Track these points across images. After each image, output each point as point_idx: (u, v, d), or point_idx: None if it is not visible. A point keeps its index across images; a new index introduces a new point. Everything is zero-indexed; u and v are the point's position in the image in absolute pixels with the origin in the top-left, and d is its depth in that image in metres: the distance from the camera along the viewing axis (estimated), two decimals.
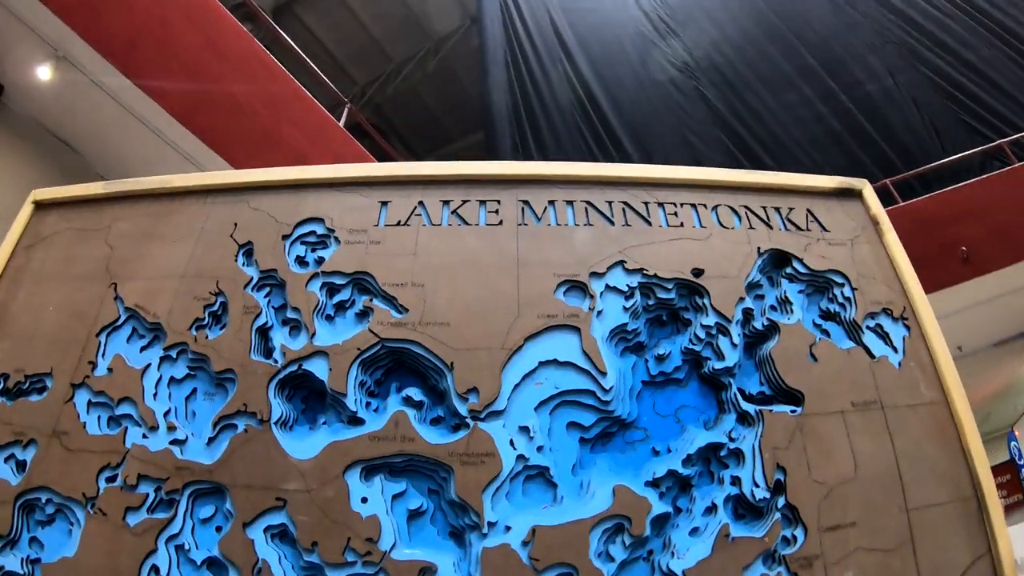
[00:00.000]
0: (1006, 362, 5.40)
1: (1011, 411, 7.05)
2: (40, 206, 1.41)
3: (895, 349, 1.28)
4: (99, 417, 1.22)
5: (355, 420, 1.11)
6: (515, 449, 1.08)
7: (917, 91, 5.30)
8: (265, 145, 3.35)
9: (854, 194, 1.43)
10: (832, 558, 1.10)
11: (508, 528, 1.04)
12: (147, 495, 1.14)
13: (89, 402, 1.23)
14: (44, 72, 3.25)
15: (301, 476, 1.09)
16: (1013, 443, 6.16)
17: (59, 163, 3.63)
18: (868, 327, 1.28)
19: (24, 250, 1.42)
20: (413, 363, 1.15)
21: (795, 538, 1.10)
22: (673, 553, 1.06)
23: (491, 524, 1.04)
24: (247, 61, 3.51)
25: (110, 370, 1.24)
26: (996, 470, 6.29)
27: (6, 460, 1.22)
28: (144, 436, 1.18)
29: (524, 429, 1.10)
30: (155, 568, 1.10)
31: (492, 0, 6.35)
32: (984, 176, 4.26)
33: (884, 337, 1.29)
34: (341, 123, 4.30)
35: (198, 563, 1.10)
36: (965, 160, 4.63)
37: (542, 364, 1.13)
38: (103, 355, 1.26)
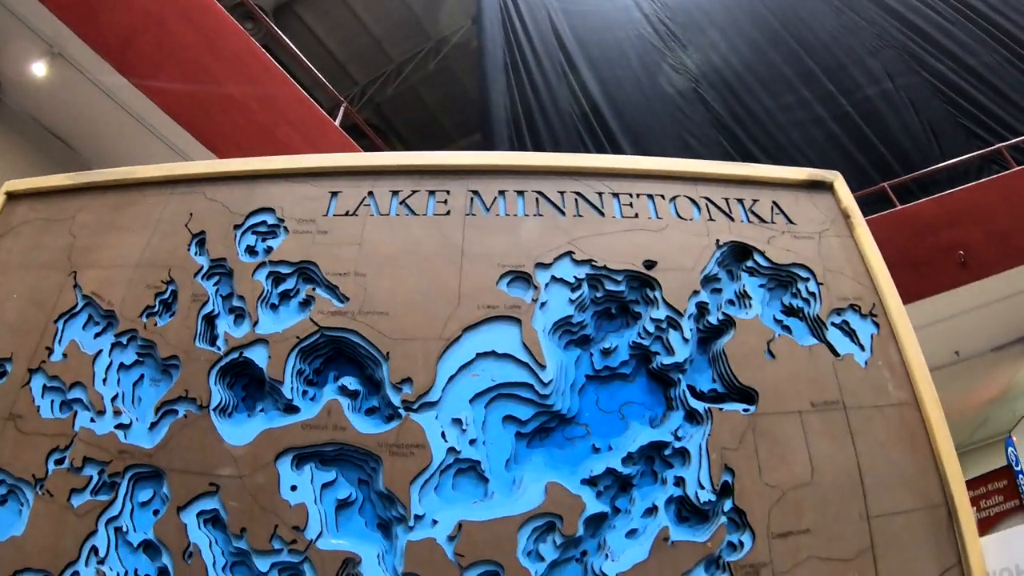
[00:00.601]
0: (1004, 367, 5.19)
1: (1009, 416, 6.82)
2: (12, 197, 1.45)
3: (862, 347, 1.21)
4: (52, 401, 1.24)
5: (290, 408, 1.11)
6: (446, 442, 1.06)
7: (916, 95, 5.16)
8: (262, 144, 3.41)
9: (825, 186, 1.37)
10: (782, 567, 1.05)
11: (435, 522, 1.02)
12: (91, 477, 1.15)
13: (44, 386, 1.25)
14: (40, 69, 3.32)
15: (235, 462, 1.08)
16: (1010, 448, 5.89)
17: (55, 159, 3.70)
18: (833, 323, 1.22)
19: None
20: (351, 352, 1.14)
21: (742, 544, 1.05)
22: (608, 556, 1.02)
23: (418, 517, 1.02)
24: (244, 60, 3.58)
25: (65, 356, 1.26)
26: (993, 475, 6.05)
27: None
28: (92, 420, 1.19)
29: (457, 421, 1.07)
30: (94, 549, 1.11)
31: (491, 1, 6.37)
32: (982, 180, 4.12)
33: (851, 334, 1.22)
34: (337, 123, 4.35)
35: (135, 545, 1.10)
36: (963, 164, 4.47)
37: (480, 355, 1.11)
38: (59, 341, 1.28)
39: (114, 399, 1.20)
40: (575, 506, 1.03)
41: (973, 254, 3.53)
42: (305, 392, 1.12)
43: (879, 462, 1.12)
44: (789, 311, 1.22)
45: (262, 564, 1.03)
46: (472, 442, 1.06)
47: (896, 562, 1.07)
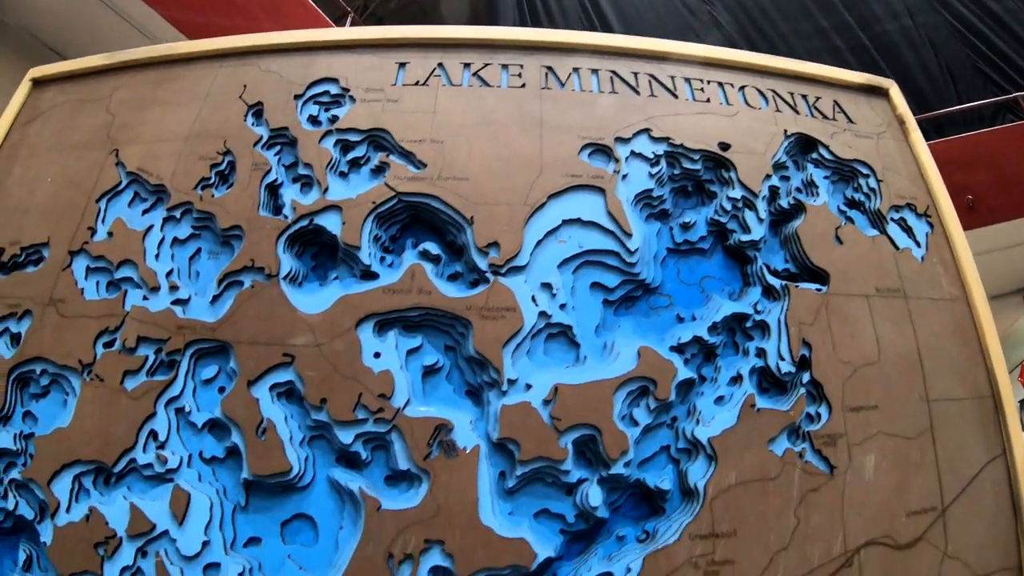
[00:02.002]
0: (1002, 317, 5.42)
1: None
2: (37, 83, 1.35)
3: (918, 244, 1.25)
4: (97, 282, 1.16)
5: (369, 274, 1.06)
6: (537, 305, 1.04)
7: (936, 35, 5.20)
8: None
9: (881, 92, 1.39)
10: (855, 439, 1.07)
11: (529, 386, 1.00)
12: (146, 357, 1.09)
13: (88, 268, 1.17)
14: None
15: (310, 330, 1.03)
16: None
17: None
18: (892, 219, 1.25)
19: (21, 127, 1.35)
20: (430, 218, 1.10)
21: (819, 415, 1.07)
22: (698, 420, 1.02)
23: (511, 381, 1.00)
24: None
25: (110, 234, 1.18)
26: None
27: (0, 334, 1.16)
28: (144, 298, 1.12)
29: (546, 286, 1.05)
30: (153, 433, 1.05)
31: None
32: (996, 127, 4.21)
33: (908, 231, 1.25)
34: None
35: (199, 426, 1.05)
36: (979, 109, 4.55)
37: (565, 223, 1.09)
38: (103, 220, 1.20)
39: (168, 274, 1.13)
40: (668, 370, 1.03)
41: (981, 199, 3.63)
42: (383, 258, 1.08)
43: (935, 350, 1.16)
44: (851, 204, 1.24)
45: (345, 436, 0.99)
46: (562, 307, 1.04)
47: (951, 446, 1.11)
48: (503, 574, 0.94)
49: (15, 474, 1.08)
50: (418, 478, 0.96)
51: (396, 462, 0.97)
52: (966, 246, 1.27)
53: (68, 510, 1.05)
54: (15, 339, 1.14)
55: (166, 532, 1.01)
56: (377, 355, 1.01)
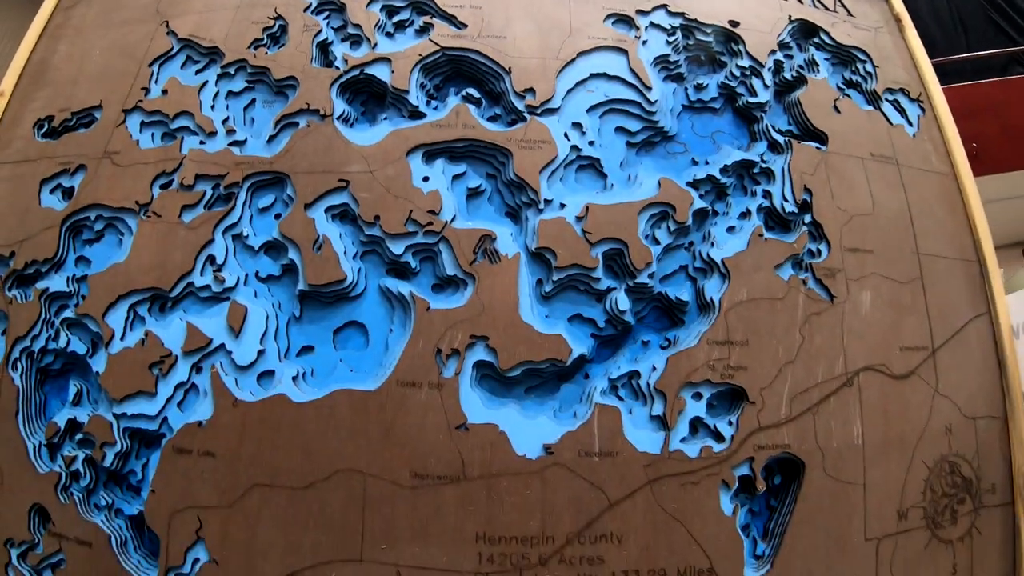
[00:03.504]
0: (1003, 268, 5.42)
1: None
2: None
3: (910, 123, 1.39)
4: (153, 134, 1.24)
5: (416, 114, 1.16)
6: (569, 140, 1.15)
7: None
8: None
9: None
10: (852, 275, 1.20)
11: (563, 205, 1.11)
12: (204, 192, 1.17)
13: (142, 123, 1.25)
14: None
15: (364, 159, 1.13)
16: None
17: None
18: (887, 99, 1.39)
19: (63, 11, 1.43)
20: (472, 70, 1.21)
21: (820, 251, 1.19)
22: (712, 243, 1.14)
23: (547, 201, 1.10)
24: None
25: (164, 92, 1.26)
26: None
27: (52, 191, 1.23)
28: (201, 142, 1.21)
29: (577, 125, 1.16)
30: (211, 258, 1.13)
31: None
32: (1005, 78, 4.18)
33: (901, 111, 1.39)
34: None
35: (256, 248, 1.13)
36: (988, 59, 4.47)
37: (593, 75, 1.20)
38: (156, 81, 1.28)
39: (224, 121, 1.22)
40: (685, 198, 1.14)
41: (985, 148, 3.67)
42: (429, 102, 1.18)
43: (925, 213, 1.30)
44: (849, 83, 1.38)
45: (396, 247, 1.08)
46: (591, 143, 1.16)
47: (940, 296, 1.24)
48: (541, 367, 1.03)
49: (68, 313, 1.15)
50: (464, 282, 1.06)
51: (443, 269, 1.07)
52: (955, 131, 1.41)
53: (122, 338, 1.12)
54: (67, 193, 1.22)
55: (222, 346, 1.09)
56: (426, 179, 1.11)
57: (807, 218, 1.20)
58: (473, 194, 1.12)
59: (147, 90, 1.27)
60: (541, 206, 1.10)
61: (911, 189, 1.32)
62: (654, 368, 1.05)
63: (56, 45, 1.38)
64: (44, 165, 1.26)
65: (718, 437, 1.05)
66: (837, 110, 1.32)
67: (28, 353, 1.14)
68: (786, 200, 1.20)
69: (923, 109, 1.41)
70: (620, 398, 1.04)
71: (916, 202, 1.31)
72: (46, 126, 1.28)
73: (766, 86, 1.29)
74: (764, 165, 1.21)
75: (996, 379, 1.28)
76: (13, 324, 1.16)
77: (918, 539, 1.19)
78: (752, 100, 1.27)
